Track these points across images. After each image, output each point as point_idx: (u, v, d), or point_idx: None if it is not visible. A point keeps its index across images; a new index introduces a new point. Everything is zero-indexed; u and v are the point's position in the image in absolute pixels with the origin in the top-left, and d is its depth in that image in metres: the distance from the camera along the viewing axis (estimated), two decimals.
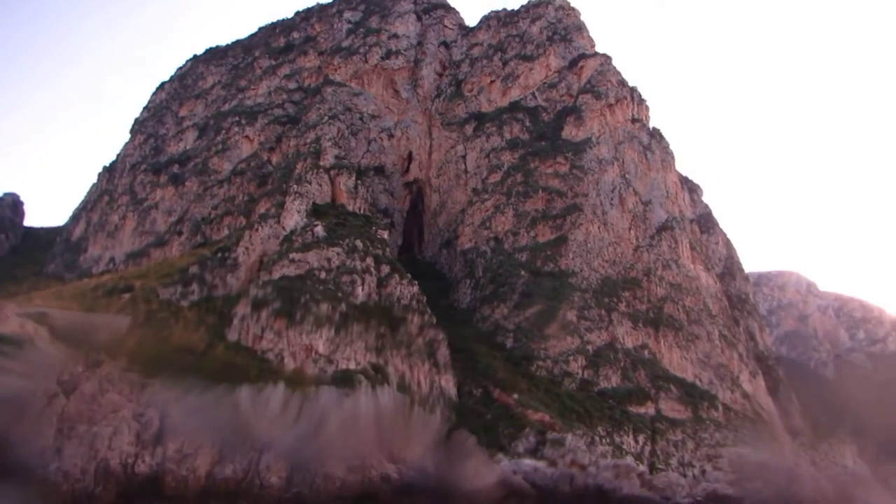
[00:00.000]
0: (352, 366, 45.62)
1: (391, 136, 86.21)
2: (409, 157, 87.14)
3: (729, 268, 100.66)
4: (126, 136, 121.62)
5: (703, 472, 58.38)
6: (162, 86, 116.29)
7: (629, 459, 53.84)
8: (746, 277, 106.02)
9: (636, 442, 56.51)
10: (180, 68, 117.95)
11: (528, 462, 47.70)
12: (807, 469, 67.97)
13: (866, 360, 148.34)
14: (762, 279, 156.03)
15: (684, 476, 56.55)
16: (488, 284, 68.99)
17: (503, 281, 67.91)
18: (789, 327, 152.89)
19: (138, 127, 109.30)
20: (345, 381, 43.71)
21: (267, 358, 44.33)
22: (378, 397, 44.24)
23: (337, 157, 70.31)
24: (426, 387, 49.31)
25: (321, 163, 67.47)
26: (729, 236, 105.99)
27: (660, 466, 56.03)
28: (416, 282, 56.67)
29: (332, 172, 66.80)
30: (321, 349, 45.41)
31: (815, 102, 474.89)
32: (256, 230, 58.50)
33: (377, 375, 46.04)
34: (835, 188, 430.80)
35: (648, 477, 53.44)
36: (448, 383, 51.39)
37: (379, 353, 48.10)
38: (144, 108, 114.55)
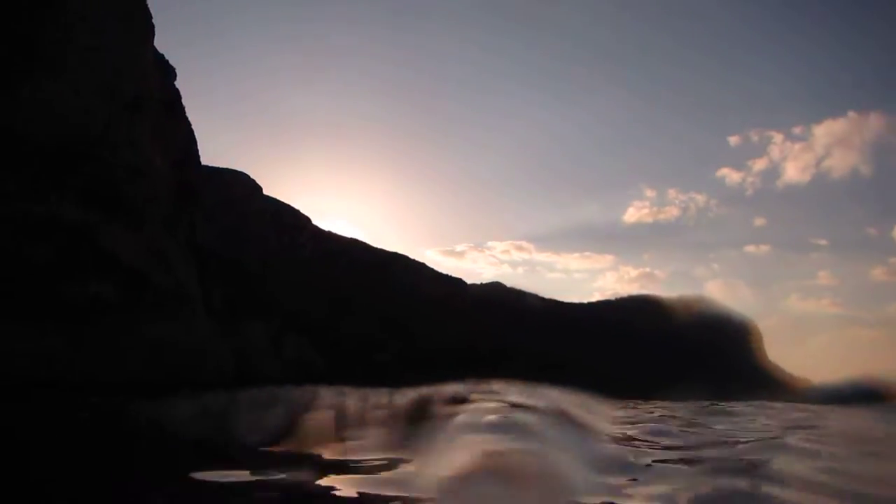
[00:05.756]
0: None
1: None
2: None
3: (186, 157, 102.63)
4: None
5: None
6: None
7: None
8: (200, 170, 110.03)
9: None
10: None
11: None
12: (216, 343, 79.58)
13: (289, 262, 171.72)
14: (214, 174, 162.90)
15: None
16: None
17: None
18: (229, 223, 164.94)
19: None
20: None
21: None
22: None
23: None
24: None
25: None
26: (193, 127, 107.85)
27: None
28: None
29: None
30: None
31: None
32: None
33: None
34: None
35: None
36: None
37: None
38: None
